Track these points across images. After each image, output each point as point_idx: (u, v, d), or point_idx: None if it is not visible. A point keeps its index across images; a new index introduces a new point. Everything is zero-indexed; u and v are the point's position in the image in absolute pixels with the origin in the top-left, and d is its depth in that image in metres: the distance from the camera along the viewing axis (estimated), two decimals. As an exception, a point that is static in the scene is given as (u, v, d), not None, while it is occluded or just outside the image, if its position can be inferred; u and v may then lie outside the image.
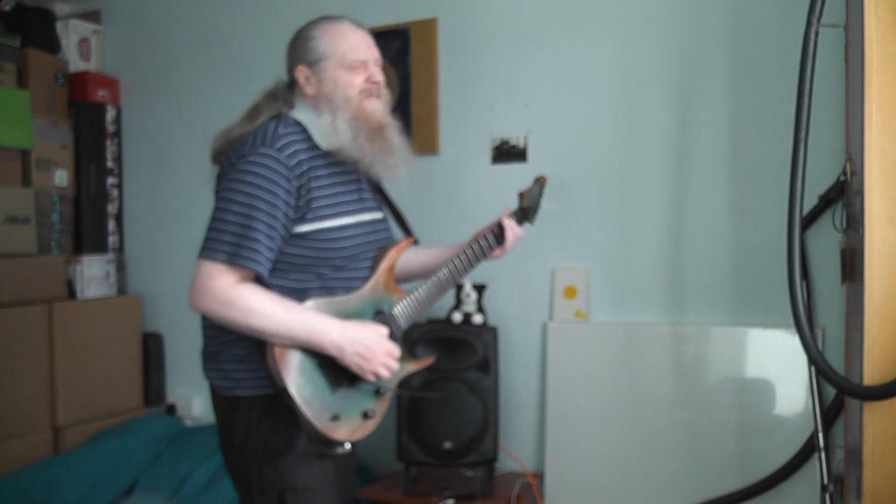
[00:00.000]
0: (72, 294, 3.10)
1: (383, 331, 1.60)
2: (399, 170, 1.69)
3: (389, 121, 1.68)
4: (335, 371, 1.57)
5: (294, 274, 1.59)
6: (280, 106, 1.67)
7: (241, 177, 1.52)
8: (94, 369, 3.00)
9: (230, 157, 1.59)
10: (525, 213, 1.91)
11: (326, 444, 1.56)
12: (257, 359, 1.56)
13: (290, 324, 1.51)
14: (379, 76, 1.67)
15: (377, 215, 1.75)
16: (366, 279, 1.67)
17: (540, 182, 1.97)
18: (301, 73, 1.65)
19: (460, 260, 1.78)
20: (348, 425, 1.58)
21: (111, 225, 3.33)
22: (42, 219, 3.04)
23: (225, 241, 1.50)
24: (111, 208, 3.33)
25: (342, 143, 1.60)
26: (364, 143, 1.61)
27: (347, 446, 1.58)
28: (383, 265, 1.69)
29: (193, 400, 3.19)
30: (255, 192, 1.50)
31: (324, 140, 1.62)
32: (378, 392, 1.64)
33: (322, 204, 1.59)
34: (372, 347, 1.56)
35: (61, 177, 3.13)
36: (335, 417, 1.55)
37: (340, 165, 1.64)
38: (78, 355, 2.94)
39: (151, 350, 3.23)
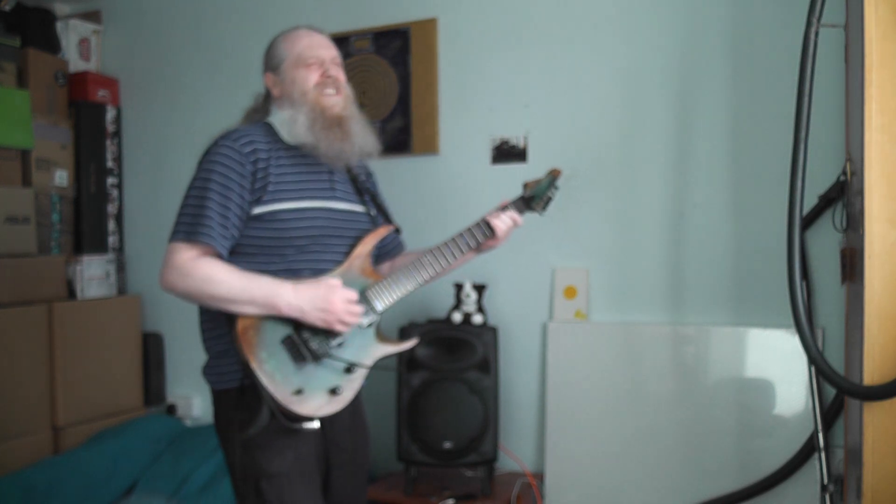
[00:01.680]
0: (72, 294, 3.10)
1: (335, 282, 1.63)
2: (356, 158, 1.76)
3: (350, 113, 1.75)
4: (299, 348, 1.61)
5: (260, 257, 1.65)
6: (258, 117, 1.80)
7: (200, 167, 1.66)
8: (94, 369, 3.00)
9: None
10: (527, 202, 1.87)
11: (290, 418, 1.58)
12: (233, 353, 1.62)
13: (246, 288, 1.57)
14: (334, 72, 1.75)
15: (354, 207, 1.79)
16: (338, 263, 1.71)
17: (552, 174, 1.90)
18: (268, 79, 1.78)
19: (448, 248, 1.79)
20: (314, 400, 1.60)
21: (111, 225, 3.33)
22: (42, 219, 3.04)
23: (184, 223, 1.62)
24: (111, 208, 3.33)
25: (299, 131, 1.69)
26: (319, 132, 1.68)
27: (315, 423, 1.60)
28: (358, 250, 1.74)
29: (193, 400, 3.19)
30: (209, 176, 1.62)
31: (286, 133, 1.72)
32: (348, 370, 1.65)
33: (280, 188, 1.66)
34: (329, 298, 1.59)
35: (61, 177, 3.13)
36: (298, 392, 1.58)
37: (307, 157, 1.72)
38: (78, 355, 2.94)
39: (151, 350, 3.24)
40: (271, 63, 1.78)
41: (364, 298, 1.69)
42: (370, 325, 1.71)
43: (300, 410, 1.58)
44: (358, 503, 1.88)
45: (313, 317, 1.59)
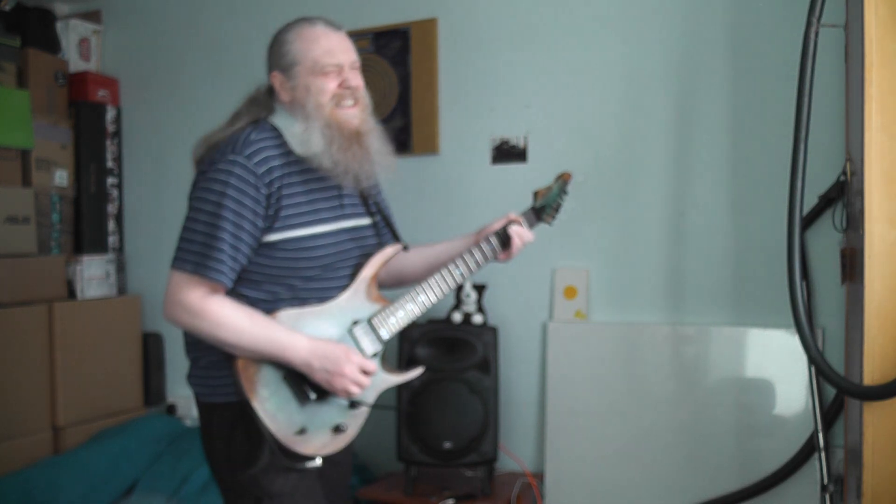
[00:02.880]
0: (72, 294, 3.10)
1: (354, 350, 1.57)
2: (375, 178, 1.66)
3: (368, 127, 1.62)
4: (303, 384, 1.54)
5: (266, 285, 1.57)
6: (260, 111, 1.63)
7: (209, 185, 1.52)
8: (94, 369, 3.00)
9: (204, 164, 1.57)
10: (538, 213, 1.76)
11: (292, 457, 1.53)
12: (225, 366, 1.56)
13: (257, 338, 1.50)
14: (354, 80, 1.60)
15: (362, 221, 1.69)
16: (343, 288, 1.62)
17: (563, 179, 1.79)
18: (276, 78, 1.61)
19: (457, 267, 1.69)
20: (318, 439, 1.56)
21: (111, 225, 3.33)
22: (42, 219, 3.03)
23: (192, 252, 1.50)
24: (111, 208, 3.33)
25: (314, 152, 1.55)
26: (337, 153, 1.56)
27: (318, 461, 1.56)
28: (364, 273, 1.64)
29: (193, 400, 3.19)
30: (222, 200, 1.49)
31: (297, 144, 1.57)
32: (353, 405, 1.59)
33: (293, 213, 1.55)
34: (340, 364, 1.51)
35: (61, 177, 3.13)
36: (302, 431, 1.53)
37: (317, 171, 1.59)
38: (78, 355, 2.94)
39: (151, 350, 3.23)
40: (281, 62, 1.59)
41: (369, 327, 1.62)
42: (375, 355, 1.63)
43: (303, 450, 1.54)
44: (345, 501, 1.85)
45: (319, 376, 1.52)
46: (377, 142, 1.64)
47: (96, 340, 3.03)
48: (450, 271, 1.68)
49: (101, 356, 3.03)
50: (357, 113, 1.60)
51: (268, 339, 1.50)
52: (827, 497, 2.04)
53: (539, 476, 2.51)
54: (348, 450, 1.75)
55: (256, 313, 1.52)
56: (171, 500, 2.62)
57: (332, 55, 1.58)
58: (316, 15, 1.66)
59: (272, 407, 1.51)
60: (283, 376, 1.53)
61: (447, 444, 2.36)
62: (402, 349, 2.42)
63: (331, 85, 1.57)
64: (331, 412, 1.57)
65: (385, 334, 1.63)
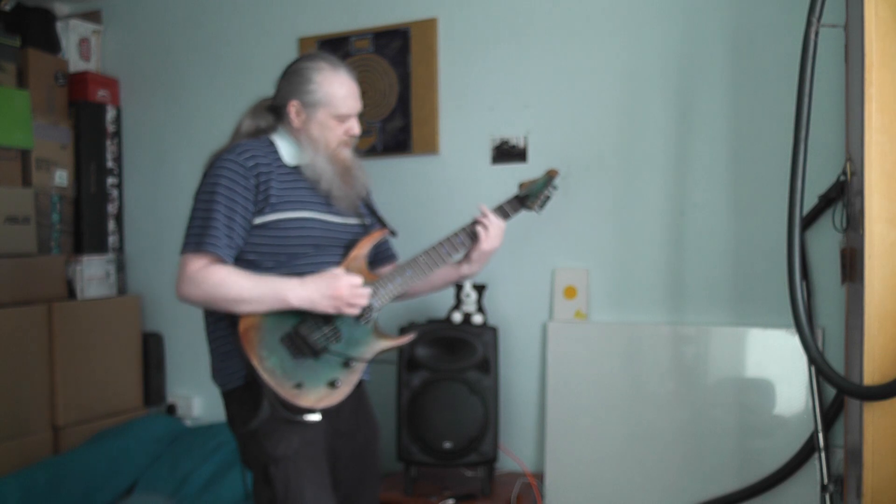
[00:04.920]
0: (72, 294, 3.10)
1: (337, 271, 1.73)
2: (355, 201, 1.89)
3: (355, 163, 1.87)
4: (298, 345, 1.71)
5: (264, 263, 1.75)
6: (259, 123, 1.86)
7: (206, 180, 1.76)
8: (94, 369, 3.00)
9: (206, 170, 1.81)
10: (522, 200, 2.02)
11: (291, 409, 1.67)
12: (237, 353, 1.72)
13: (257, 287, 1.68)
14: (357, 129, 1.85)
15: (349, 220, 1.88)
16: (337, 264, 1.81)
17: (549, 174, 2.09)
18: (293, 107, 1.81)
19: (443, 246, 1.91)
20: (314, 393, 1.69)
21: (111, 225, 3.33)
22: (42, 219, 3.03)
23: (193, 234, 1.72)
24: (111, 208, 3.33)
25: (320, 176, 1.79)
26: (335, 179, 1.82)
27: (317, 416, 1.69)
28: (354, 252, 1.85)
29: (193, 400, 3.19)
30: (215, 189, 1.72)
31: (287, 155, 1.81)
32: (346, 364, 1.74)
33: (280, 199, 1.75)
34: (334, 285, 1.70)
35: (61, 177, 3.13)
36: (298, 385, 1.68)
37: (304, 178, 1.81)
38: (78, 355, 2.94)
39: (151, 350, 3.24)
40: (305, 97, 1.80)
41: None
42: (367, 323, 1.79)
43: (301, 403, 1.67)
44: (368, 492, 1.94)
45: (324, 305, 1.69)
46: (360, 173, 1.89)
47: (96, 340, 3.03)
48: (437, 251, 1.89)
49: (100, 356, 3.03)
50: (349, 152, 1.87)
51: (267, 286, 1.68)
52: (827, 497, 2.04)
53: (539, 476, 2.51)
54: (371, 428, 1.94)
55: (253, 273, 1.71)
56: (171, 500, 2.62)
57: (348, 105, 1.82)
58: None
59: (271, 364, 1.67)
60: (279, 339, 1.70)
61: (447, 444, 2.36)
62: (403, 349, 2.42)
63: (341, 130, 1.82)
64: (325, 369, 1.73)
65: (376, 303, 1.80)
